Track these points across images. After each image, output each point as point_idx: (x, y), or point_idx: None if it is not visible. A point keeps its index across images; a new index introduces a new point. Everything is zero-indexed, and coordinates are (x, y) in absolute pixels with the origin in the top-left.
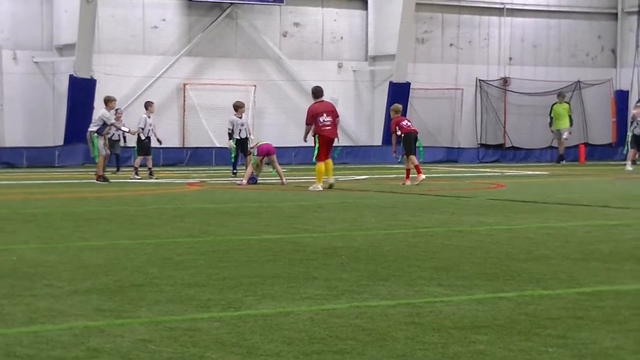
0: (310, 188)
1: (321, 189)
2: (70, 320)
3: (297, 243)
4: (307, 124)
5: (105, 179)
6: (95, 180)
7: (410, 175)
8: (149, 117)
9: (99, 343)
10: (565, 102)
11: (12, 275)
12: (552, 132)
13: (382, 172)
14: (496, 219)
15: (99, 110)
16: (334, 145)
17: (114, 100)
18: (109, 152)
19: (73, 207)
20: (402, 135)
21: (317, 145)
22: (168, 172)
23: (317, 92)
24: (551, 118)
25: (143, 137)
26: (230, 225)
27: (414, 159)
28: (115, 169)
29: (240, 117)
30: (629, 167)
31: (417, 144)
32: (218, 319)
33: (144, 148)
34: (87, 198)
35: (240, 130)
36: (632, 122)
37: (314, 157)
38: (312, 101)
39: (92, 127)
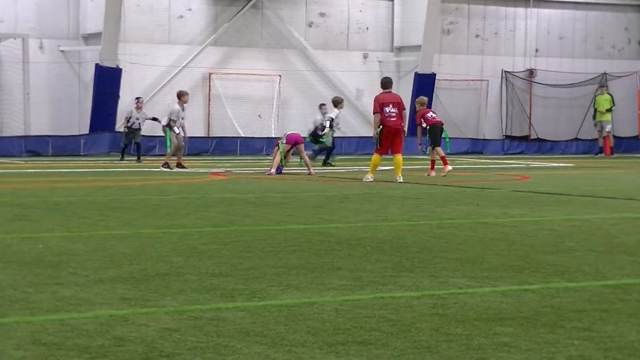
0: (363, 179)
1: (371, 179)
2: (96, 309)
3: (321, 233)
4: (374, 112)
5: (169, 166)
6: (160, 167)
7: (436, 167)
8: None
9: (124, 332)
10: (608, 93)
11: (38, 263)
12: (595, 124)
13: (407, 163)
14: (521, 210)
15: (172, 105)
16: (441, 135)
17: (186, 94)
18: (182, 143)
19: (98, 195)
20: (428, 127)
21: (378, 138)
22: (193, 162)
23: (385, 83)
24: (595, 110)
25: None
26: (255, 215)
27: (440, 150)
28: (135, 158)
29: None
30: None
31: (443, 136)
32: (242, 309)
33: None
34: (111, 187)
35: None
36: None
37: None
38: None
39: (164, 121)
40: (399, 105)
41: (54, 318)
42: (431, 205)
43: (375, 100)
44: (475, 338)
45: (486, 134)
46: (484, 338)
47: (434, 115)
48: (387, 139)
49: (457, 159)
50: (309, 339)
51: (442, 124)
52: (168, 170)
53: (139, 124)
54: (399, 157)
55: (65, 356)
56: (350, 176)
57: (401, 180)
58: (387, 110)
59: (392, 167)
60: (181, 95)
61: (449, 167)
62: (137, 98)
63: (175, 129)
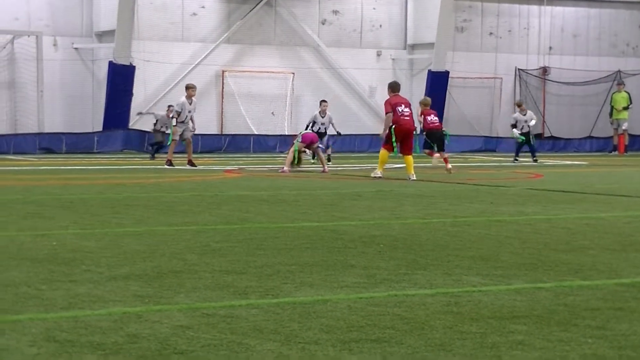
0: (372, 174)
1: (380, 175)
2: (109, 306)
3: (335, 231)
4: (386, 112)
5: (171, 164)
6: (165, 165)
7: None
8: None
9: (138, 329)
10: (625, 91)
11: (52, 260)
12: (611, 122)
13: (421, 161)
14: (535, 208)
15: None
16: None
17: (192, 87)
18: (190, 138)
19: (111, 193)
20: (426, 131)
21: (393, 136)
22: (206, 159)
23: (394, 87)
24: (611, 107)
25: (174, 123)
26: (268, 213)
27: (436, 156)
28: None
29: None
30: None
31: (444, 139)
32: (256, 306)
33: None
34: (125, 184)
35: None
36: None
37: (395, 148)
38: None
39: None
40: (410, 106)
41: (67, 315)
42: (445, 203)
43: (386, 102)
44: (489, 336)
45: (499, 131)
46: (497, 336)
47: (434, 119)
48: (399, 137)
49: (471, 157)
50: (322, 337)
51: (440, 129)
52: (171, 167)
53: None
54: (409, 157)
55: (79, 353)
56: (364, 174)
57: (414, 178)
58: (400, 110)
59: (404, 165)
60: (187, 89)
61: (449, 166)
62: (169, 106)
63: (173, 121)
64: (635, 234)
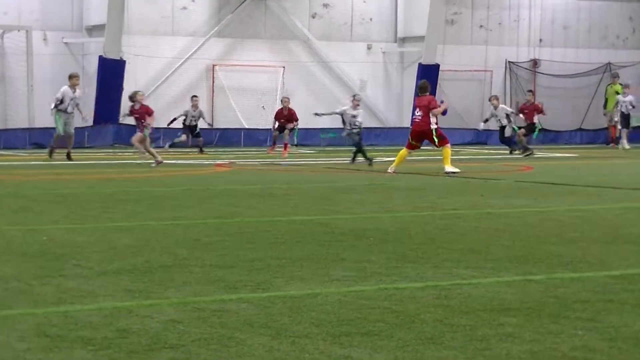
0: (388, 170)
1: (394, 171)
2: (99, 301)
3: (325, 225)
4: (433, 108)
5: (51, 155)
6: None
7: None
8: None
9: (128, 324)
10: (619, 83)
11: (42, 255)
12: (605, 114)
13: (411, 154)
14: (525, 201)
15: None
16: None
17: (75, 76)
18: (61, 133)
19: (102, 188)
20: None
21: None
22: (197, 154)
23: (421, 88)
24: (606, 100)
25: (52, 107)
26: (259, 207)
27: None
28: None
29: None
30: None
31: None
32: (246, 300)
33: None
34: (115, 179)
35: None
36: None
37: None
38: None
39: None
40: (425, 108)
41: (58, 310)
42: (435, 196)
43: (432, 99)
44: (479, 329)
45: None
46: (488, 329)
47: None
48: (412, 138)
49: (461, 150)
50: (312, 330)
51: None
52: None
53: (195, 120)
54: (446, 148)
55: (69, 348)
56: (355, 167)
57: (449, 170)
58: (415, 113)
59: (394, 165)
60: (70, 77)
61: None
62: (193, 96)
63: (54, 108)
64: (625, 226)
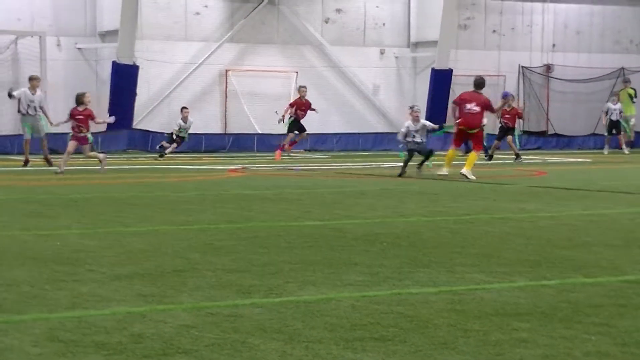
0: (438, 173)
1: (446, 173)
2: (113, 306)
3: (338, 229)
4: (452, 107)
5: (26, 165)
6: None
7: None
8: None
9: (142, 328)
10: (631, 87)
11: (55, 260)
12: None
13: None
14: (538, 205)
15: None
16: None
17: (36, 79)
18: (28, 137)
19: (114, 192)
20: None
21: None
22: (210, 158)
23: (479, 84)
24: None
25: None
26: (271, 212)
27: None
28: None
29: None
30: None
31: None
32: (259, 305)
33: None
34: (128, 183)
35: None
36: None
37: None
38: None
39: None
40: (484, 104)
41: (71, 315)
42: (448, 201)
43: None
44: (492, 333)
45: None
46: (501, 334)
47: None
48: (458, 134)
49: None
50: (325, 335)
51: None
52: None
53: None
54: (452, 151)
55: (83, 353)
56: (368, 172)
57: (467, 174)
58: (467, 107)
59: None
60: (30, 80)
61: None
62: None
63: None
64: (638, 231)
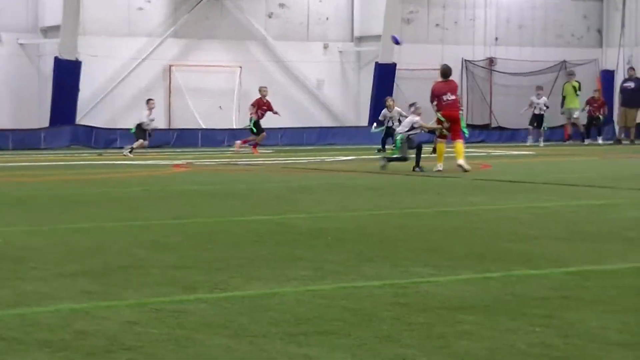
0: (434, 169)
1: (441, 169)
2: (57, 303)
3: (283, 224)
4: (431, 102)
5: None
6: None
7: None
8: None
9: (85, 325)
10: (576, 80)
11: None
12: (562, 112)
13: (369, 153)
14: (483, 199)
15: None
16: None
17: None
18: None
19: (59, 189)
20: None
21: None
22: (154, 154)
23: (446, 73)
24: (563, 97)
25: None
26: (217, 207)
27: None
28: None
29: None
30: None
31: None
32: (205, 301)
33: None
34: (72, 180)
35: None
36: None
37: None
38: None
39: None
40: (455, 91)
41: (14, 313)
42: (393, 195)
43: (431, 90)
44: (436, 326)
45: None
46: (445, 326)
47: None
48: (447, 122)
49: None
50: (270, 330)
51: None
52: None
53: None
54: (459, 143)
55: (26, 351)
56: (314, 167)
57: (461, 164)
58: (445, 98)
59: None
60: None
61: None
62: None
63: None
64: (582, 223)
